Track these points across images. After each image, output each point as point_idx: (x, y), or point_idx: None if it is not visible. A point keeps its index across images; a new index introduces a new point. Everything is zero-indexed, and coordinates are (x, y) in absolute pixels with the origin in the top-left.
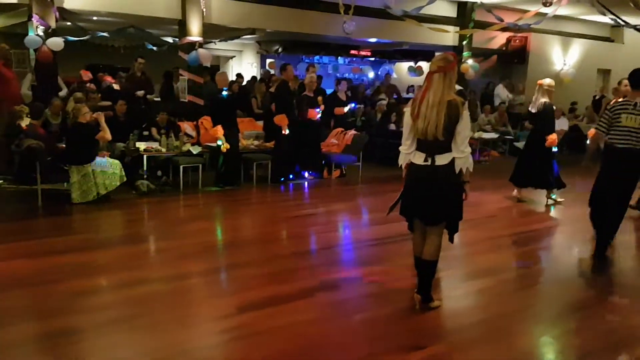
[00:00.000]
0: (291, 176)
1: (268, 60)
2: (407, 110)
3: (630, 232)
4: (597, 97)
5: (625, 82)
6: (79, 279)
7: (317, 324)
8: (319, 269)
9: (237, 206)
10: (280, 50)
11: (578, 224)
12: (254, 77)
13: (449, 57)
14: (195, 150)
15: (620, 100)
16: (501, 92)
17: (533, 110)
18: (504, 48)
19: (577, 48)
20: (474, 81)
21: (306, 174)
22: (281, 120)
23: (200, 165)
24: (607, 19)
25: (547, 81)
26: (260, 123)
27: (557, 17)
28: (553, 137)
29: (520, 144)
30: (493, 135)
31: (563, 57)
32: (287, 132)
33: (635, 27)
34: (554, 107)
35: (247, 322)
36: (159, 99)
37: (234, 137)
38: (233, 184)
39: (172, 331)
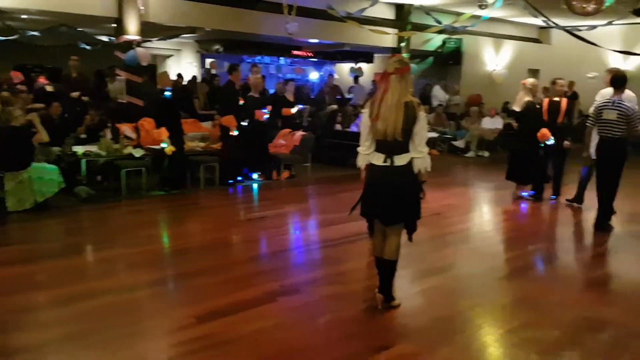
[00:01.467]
0: (239, 178)
1: (208, 60)
2: (365, 111)
3: (570, 225)
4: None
5: (560, 81)
6: (20, 294)
7: (282, 330)
8: (278, 273)
9: (186, 211)
10: (220, 49)
11: (518, 218)
12: (194, 77)
13: (404, 59)
14: (138, 153)
15: (554, 99)
16: (438, 93)
17: (517, 109)
18: (439, 50)
19: (508, 49)
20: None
21: (255, 176)
22: (229, 121)
23: (144, 169)
24: (535, 21)
25: (530, 80)
26: (205, 124)
27: (490, 19)
28: (544, 131)
29: (458, 143)
30: (433, 135)
31: (495, 58)
32: (235, 133)
33: (564, 28)
34: (537, 105)
35: (209, 333)
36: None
37: (178, 139)
38: (179, 188)
39: (127, 347)
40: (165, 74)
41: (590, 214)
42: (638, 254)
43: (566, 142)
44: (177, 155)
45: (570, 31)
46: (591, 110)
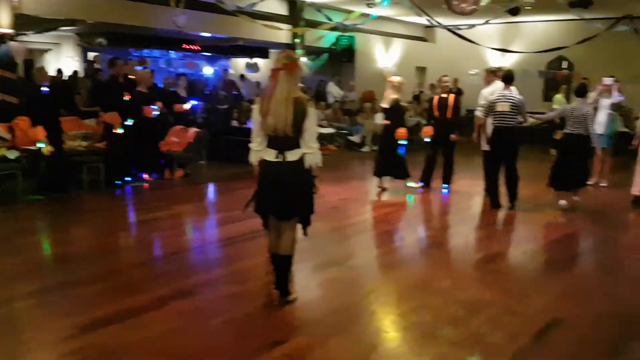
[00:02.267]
0: (128, 179)
1: (91, 54)
2: (255, 107)
3: (459, 211)
4: (416, 93)
5: (445, 78)
6: None
7: (174, 334)
8: (171, 276)
9: (68, 215)
10: (104, 43)
11: (410, 208)
12: (75, 72)
13: (292, 55)
14: (12, 155)
15: (442, 95)
16: (333, 90)
17: (385, 106)
18: (333, 47)
19: (397, 47)
20: (307, 79)
21: (145, 176)
22: (112, 118)
23: (20, 172)
24: (421, 20)
25: (396, 78)
26: (88, 122)
27: (379, 18)
28: (401, 131)
29: (354, 138)
30: (330, 131)
31: (385, 56)
32: (120, 130)
33: (446, 27)
34: (403, 103)
35: (94, 342)
36: None
37: (57, 138)
38: (59, 191)
39: None
40: (43, 69)
41: (477, 199)
42: (521, 235)
43: (452, 136)
44: (56, 155)
45: (452, 30)
46: (481, 102)
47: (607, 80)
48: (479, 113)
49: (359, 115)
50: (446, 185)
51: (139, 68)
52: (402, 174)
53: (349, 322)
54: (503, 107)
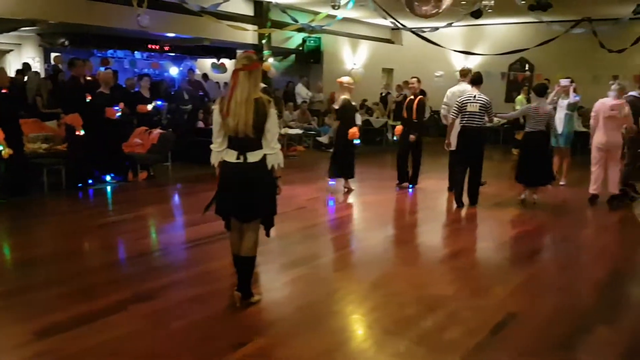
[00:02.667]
0: (91, 181)
1: (53, 55)
2: (215, 107)
3: (425, 209)
4: (383, 94)
5: (411, 80)
6: None
7: (133, 339)
8: (133, 280)
9: (28, 219)
10: (66, 43)
11: (376, 208)
12: (37, 73)
13: (253, 56)
14: None
15: (411, 97)
16: (301, 91)
17: (336, 107)
18: (300, 48)
19: (364, 49)
20: (276, 80)
21: (108, 178)
22: (74, 120)
23: None
24: (387, 22)
25: (346, 79)
26: (50, 124)
27: (345, 20)
28: (353, 130)
29: (322, 138)
30: (298, 131)
31: (353, 57)
32: (82, 132)
33: (411, 30)
34: (353, 103)
35: (50, 348)
36: None
37: (16, 141)
38: (20, 194)
39: None
40: (2, 70)
41: (442, 198)
42: (483, 232)
43: (411, 136)
44: (15, 158)
45: (416, 32)
46: (445, 100)
47: (564, 82)
48: (444, 112)
49: (327, 116)
50: (412, 185)
51: (101, 69)
52: (348, 174)
53: (313, 321)
54: (473, 107)
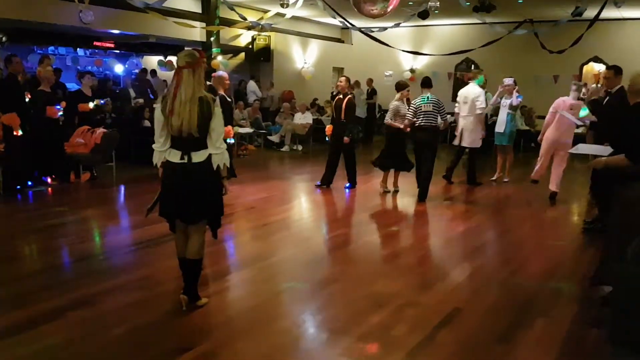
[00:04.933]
0: (30, 183)
1: None
2: (157, 106)
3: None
4: (334, 93)
5: (341, 79)
6: None
7: (69, 347)
8: (71, 285)
9: None
10: (4, 39)
11: (321, 208)
12: None
13: (195, 53)
14: None
15: (340, 96)
16: (255, 89)
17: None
18: (250, 46)
19: (315, 48)
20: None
21: (49, 180)
22: (11, 119)
23: None
24: (337, 22)
25: (220, 73)
26: None
27: (295, 18)
28: (227, 129)
29: (273, 137)
30: (249, 130)
31: (303, 56)
32: (19, 132)
33: (359, 29)
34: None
35: None
36: None
37: None
38: None
39: None
40: None
41: (386, 197)
42: (428, 229)
43: (345, 139)
44: None
45: (364, 32)
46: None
47: (508, 81)
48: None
49: (278, 115)
50: (349, 185)
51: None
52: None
53: (259, 323)
54: (427, 107)
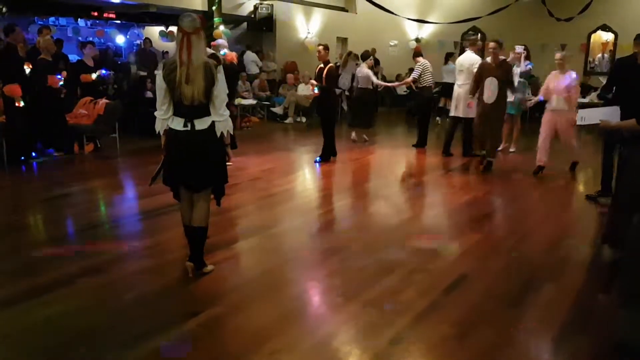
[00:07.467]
0: (34, 154)
1: None
2: (159, 73)
3: (377, 179)
4: (338, 64)
5: (319, 47)
6: None
7: (81, 313)
8: (80, 253)
9: None
10: (4, 10)
11: (327, 178)
12: None
13: (197, 18)
14: None
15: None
16: (255, 59)
17: None
18: (252, 15)
19: (318, 17)
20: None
21: (52, 151)
22: (13, 90)
23: None
24: None
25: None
26: None
27: None
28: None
29: (277, 109)
30: (252, 102)
31: (307, 26)
32: (21, 104)
33: None
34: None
35: None
36: None
37: None
38: None
39: None
40: None
41: (393, 167)
42: (435, 199)
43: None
44: None
45: (370, 0)
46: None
47: (519, 48)
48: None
49: (282, 87)
50: (317, 159)
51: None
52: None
53: (267, 289)
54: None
